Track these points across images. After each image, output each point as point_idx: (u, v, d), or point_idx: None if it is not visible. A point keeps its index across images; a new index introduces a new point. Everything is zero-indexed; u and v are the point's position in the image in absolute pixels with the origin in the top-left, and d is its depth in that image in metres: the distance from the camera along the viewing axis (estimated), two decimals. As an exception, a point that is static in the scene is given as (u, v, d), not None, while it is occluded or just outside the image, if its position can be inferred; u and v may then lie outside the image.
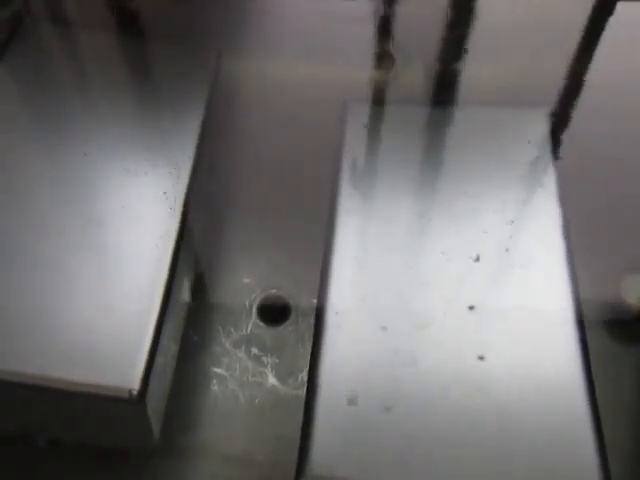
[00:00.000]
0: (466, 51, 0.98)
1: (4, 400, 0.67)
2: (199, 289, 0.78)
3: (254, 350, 0.73)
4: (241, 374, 0.72)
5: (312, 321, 0.71)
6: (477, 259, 0.74)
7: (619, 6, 1.00)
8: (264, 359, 0.73)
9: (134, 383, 0.63)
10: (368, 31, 1.00)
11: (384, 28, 1.01)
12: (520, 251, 0.75)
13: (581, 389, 0.65)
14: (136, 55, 0.96)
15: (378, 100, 0.94)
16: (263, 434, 0.69)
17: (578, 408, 0.64)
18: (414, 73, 0.96)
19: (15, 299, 0.68)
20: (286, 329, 0.75)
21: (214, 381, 0.71)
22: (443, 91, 0.95)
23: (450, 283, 0.72)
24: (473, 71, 0.96)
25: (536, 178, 0.82)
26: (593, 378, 0.66)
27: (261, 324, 0.75)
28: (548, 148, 0.84)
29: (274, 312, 0.76)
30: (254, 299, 0.77)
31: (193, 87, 0.89)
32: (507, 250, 0.75)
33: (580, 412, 0.64)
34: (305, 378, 0.70)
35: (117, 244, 0.73)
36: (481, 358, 0.67)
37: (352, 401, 0.62)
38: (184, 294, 0.76)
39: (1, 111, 0.85)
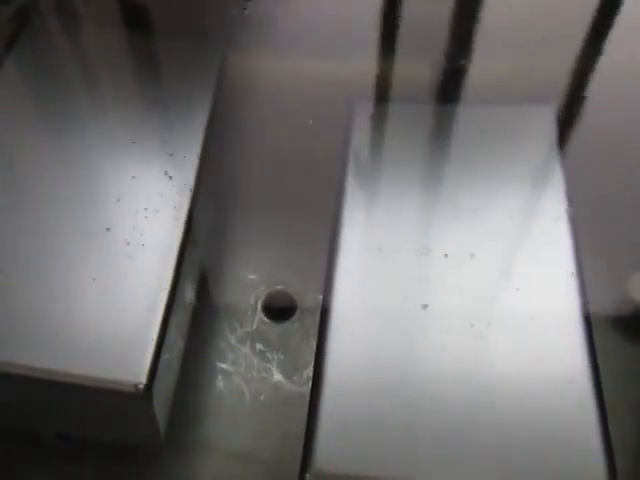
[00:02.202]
0: (470, 48, 0.98)
1: (11, 393, 0.67)
2: (205, 284, 0.78)
3: (259, 346, 0.73)
4: (246, 370, 0.72)
5: (317, 317, 0.71)
6: (484, 257, 0.74)
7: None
8: (269, 355, 0.73)
9: (141, 377, 0.63)
10: (374, 28, 1.00)
11: (390, 25, 1.01)
12: (526, 248, 0.75)
13: (588, 387, 0.65)
14: (142, 50, 0.96)
15: (384, 97, 0.94)
16: (268, 430, 0.69)
17: (585, 406, 0.64)
18: (420, 70, 0.96)
19: (24, 295, 0.68)
20: (291, 325, 0.75)
21: (219, 376, 0.71)
22: (449, 88, 0.95)
23: (456, 281, 0.72)
24: (479, 68, 0.96)
25: (543, 175, 0.82)
26: (600, 377, 0.66)
27: (266, 320, 0.75)
28: (555, 145, 0.84)
29: (279, 309, 0.76)
30: (259, 295, 0.77)
31: (199, 83, 0.89)
32: (514, 247, 0.75)
33: (587, 410, 0.64)
34: (310, 374, 0.69)
35: (124, 240, 0.73)
36: (487, 355, 0.68)
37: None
38: (190, 289, 0.76)
39: (9, 105, 0.85)
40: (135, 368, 0.64)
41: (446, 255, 0.74)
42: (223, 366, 0.72)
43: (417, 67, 0.97)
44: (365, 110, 0.89)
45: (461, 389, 0.65)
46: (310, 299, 0.76)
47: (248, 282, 0.78)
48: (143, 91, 0.90)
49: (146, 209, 0.75)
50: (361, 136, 0.86)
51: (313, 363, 0.68)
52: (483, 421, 0.64)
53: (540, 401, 0.64)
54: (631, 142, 0.88)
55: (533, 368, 0.66)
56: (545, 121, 0.87)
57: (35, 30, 0.94)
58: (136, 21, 1.01)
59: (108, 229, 0.73)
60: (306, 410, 0.64)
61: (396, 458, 0.62)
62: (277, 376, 0.71)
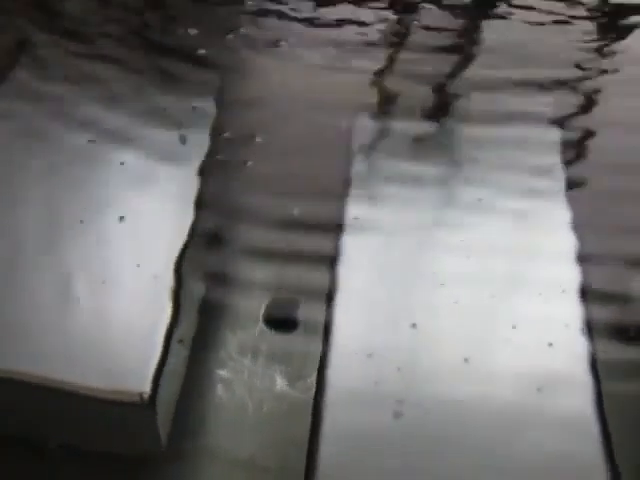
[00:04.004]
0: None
1: (14, 401, 0.67)
2: (209, 294, 0.78)
3: (261, 355, 0.73)
4: (249, 379, 0.71)
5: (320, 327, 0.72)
6: (484, 274, 0.74)
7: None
8: (271, 364, 0.72)
9: (145, 387, 0.63)
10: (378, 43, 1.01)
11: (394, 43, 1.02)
12: (529, 265, 0.75)
13: (589, 397, 0.65)
14: (139, 75, 0.96)
15: (386, 113, 0.94)
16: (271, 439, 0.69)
17: (586, 412, 0.64)
18: (421, 88, 0.96)
19: (29, 303, 0.69)
20: (294, 336, 0.75)
21: (221, 385, 0.71)
22: (452, 106, 0.95)
23: (459, 290, 0.72)
24: (482, 84, 0.97)
25: (547, 193, 0.82)
26: (601, 387, 0.66)
27: (269, 330, 0.75)
28: (560, 165, 0.85)
29: (282, 319, 0.76)
30: (263, 305, 0.77)
31: (200, 100, 0.90)
32: (516, 266, 0.75)
33: (587, 419, 0.64)
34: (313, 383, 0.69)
35: (128, 249, 0.73)
36: (489, 367, 0.68)
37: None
38: (195, 297, 0.76)
39: (13, 121, 0.85)
40: (139, 377, 0.64)
41: (450, 264, 0.75)
42: (225, 375, 0.72)
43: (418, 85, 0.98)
44: (366, 125, 0.90)
45: (463, 400, 0.65)
46: (313, 309, 0.76)
47: (252, 292, 0.78)
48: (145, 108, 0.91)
49: (148, 219, 0.76)
50: (363, 150, 0.87)
51: (317, 372, 0.68)
52: (483, 435, 0.64)
53: (542, 415, 0.64)
54: (636, 161, 0.88)
55: (534, 381, 0.66)
56: (550, 142, 0.88)
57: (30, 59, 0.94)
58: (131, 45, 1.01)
59: (113, 240, 0.74)
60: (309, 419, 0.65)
61: (400, 469, 0.62)
62: (280, 385, 0.71)
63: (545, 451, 0.63)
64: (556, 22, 1.02)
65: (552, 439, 0.63)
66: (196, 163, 0.82)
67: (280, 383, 0.71)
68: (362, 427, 0.64)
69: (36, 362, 0.65)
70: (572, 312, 0.71)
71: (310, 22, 1.03)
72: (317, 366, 0.68)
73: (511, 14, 1.04)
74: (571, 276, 0.73)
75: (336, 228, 0.78)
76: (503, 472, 0.62)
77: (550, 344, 0.68)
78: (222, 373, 0.72)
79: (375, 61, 0.99)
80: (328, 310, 0.72)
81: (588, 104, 0.95)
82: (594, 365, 0.67)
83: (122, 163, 0.82)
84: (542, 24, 1.03)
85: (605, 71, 0.99)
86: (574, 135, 0.91)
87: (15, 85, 0.90)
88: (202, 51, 0.97)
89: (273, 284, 0.78)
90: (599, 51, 1.01)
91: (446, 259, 0.75)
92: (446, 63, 0.98)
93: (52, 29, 0.99)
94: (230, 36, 1.01)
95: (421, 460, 0.63)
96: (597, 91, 0.97)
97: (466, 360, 0.67)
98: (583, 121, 0.93)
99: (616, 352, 0.73)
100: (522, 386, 0.66)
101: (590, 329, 0.69)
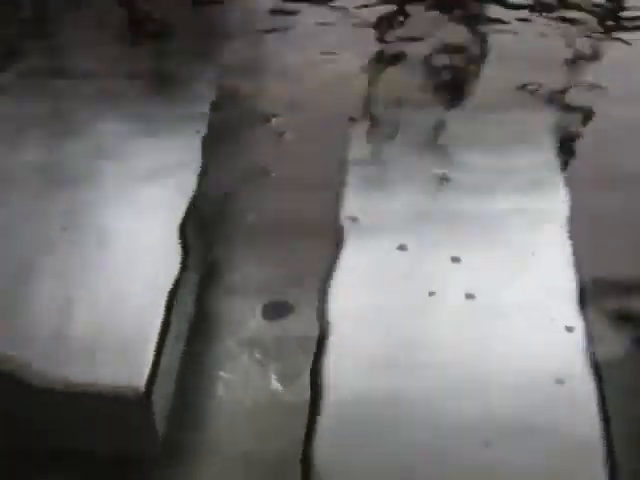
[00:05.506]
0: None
1: (12, 398, 0.67)
2: (205, 290, 0.78)
3: (257, 352, 0.73)
4: (246, 375, 0.71)
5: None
6: (483, 267, 0.74)
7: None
8: (267, 363, 0.73)
9: (140, 383, 0.64)
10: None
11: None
12: (526, 257, 0.75)
13: (593, 410, 0.65)
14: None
15: (383, 105, 0.95)
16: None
17: (590, 423, 0.64)
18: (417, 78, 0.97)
19: (26, 302, 0.70)
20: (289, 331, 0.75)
21: (218, 382, 0.71)
22: (449, 94, 0.96)
23: (453, 289, 0.73)
24: (481, 75, 0.97)
25: (543, 182, 0.82)
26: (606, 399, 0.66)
27: (265, 324, 0.75)
28: (554, 153, 0.85)
29: (277, 312, 0.77)
30: (259, 301, 0.77)
31: (195, 105, 0.92)
32: (512, 257, 0.76)
33: (592, 428, 0.64)
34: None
35: (125, 248, 0.74)
36: (485, 363, 0.68)
37: None
38: (190, 294, 0.77)
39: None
40: (135, 373, 0.64)
41: (445, 267, 0.75)
42: (223, 373, 0.72)
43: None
44: (364, 120, 0.91)
45: (458, 392, 0.66)
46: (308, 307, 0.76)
47: (248, 289, 0.78)
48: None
49: (146, 221, 0.77)
50: (361, 147, 0.87)
51: (312, 369, 0.68)
52: (480, 428, 0.64)
53: (545, 427, 0.64)
54: (630, 149, 0.88)
55: (536, 387, 0.67)
56: (544, 129, 0.88)
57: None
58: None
59: (110, 239, 0.75)
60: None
61: (396, 464, 0.63)
62: (275, 382, 0.71)
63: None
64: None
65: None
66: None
67: (276, 381, 0.71)
68: (359, 424, 0.64)
69: (34, 362, 0.65)
70: (576, 325, 0.71)
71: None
72: (313, 363, 0.68)
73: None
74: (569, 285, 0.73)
75: (335, 223, 0.78)
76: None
77: (553, 364, 0.69)
78: (219, 370, 0.72)
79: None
80: (324, 305, 0.72)
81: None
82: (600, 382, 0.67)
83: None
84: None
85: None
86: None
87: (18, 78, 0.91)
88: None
89: (271, 284, 0.78)
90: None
91: (447, 259, 0.76)
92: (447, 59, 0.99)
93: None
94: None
95: (417, 459, 0.63)
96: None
97: (460, 360, 0.68)
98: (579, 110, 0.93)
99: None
100: (526, 402, 0.66)
101: (594, 344, 0.70)
